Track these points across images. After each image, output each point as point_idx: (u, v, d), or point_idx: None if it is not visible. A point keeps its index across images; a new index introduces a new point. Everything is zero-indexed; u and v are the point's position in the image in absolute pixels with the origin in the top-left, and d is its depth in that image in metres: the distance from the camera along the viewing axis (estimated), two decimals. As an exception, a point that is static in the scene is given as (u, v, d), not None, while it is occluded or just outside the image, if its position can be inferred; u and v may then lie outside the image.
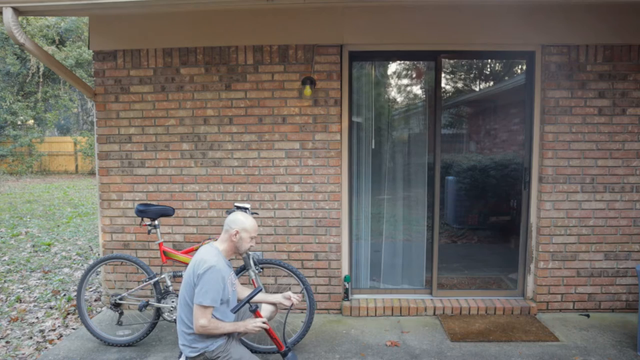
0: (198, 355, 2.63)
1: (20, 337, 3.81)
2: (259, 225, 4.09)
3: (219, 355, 2.64)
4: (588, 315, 4.04)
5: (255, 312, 2.77)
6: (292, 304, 2.98)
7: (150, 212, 3.49)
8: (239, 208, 3.37)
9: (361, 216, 4.36)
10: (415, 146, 4.38)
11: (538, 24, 3.86)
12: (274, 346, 3.40)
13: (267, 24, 3.93)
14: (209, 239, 3.87)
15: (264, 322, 2.72)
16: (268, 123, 4.04)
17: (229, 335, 2.72)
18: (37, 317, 4.23)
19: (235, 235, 2.72)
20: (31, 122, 18.77)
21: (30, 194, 12.79)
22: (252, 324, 2.69)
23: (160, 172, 4.14)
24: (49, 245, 6.96)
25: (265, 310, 3.05)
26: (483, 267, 4.70)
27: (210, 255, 2.64)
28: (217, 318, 2.65)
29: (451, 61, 4.50)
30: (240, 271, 3.47)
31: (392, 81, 4.67)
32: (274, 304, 3.08)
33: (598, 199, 3.99)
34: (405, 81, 4.68)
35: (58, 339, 3.75)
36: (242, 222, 2.74)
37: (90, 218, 9.24)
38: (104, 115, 4.12)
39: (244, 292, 2.98)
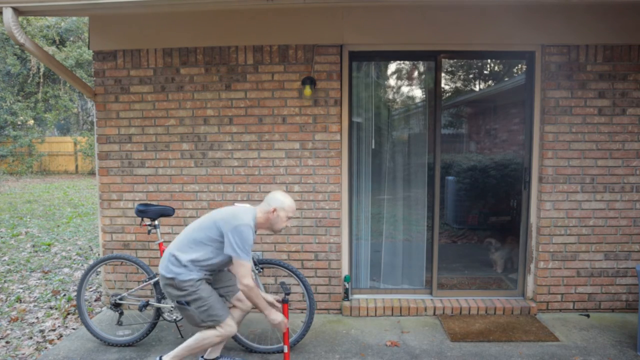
0: (169, 278, 2.68)
1: (20, 337, 3.81)
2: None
3: (187, 288, 2.66)
4: (588, 315, 4.04)
5: (284, 305, 2.85)
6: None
7: (150, 212, 3.49)
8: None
9: (361, 216, 4.36)
10: (415, 146, 4.38)
11: (538, 24, 3.86)
12: (274, 346, 3.40)
13: (267, 24, 3.93)
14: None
15: (285, 324, 2.81)
16: (268, 123, 4.04)
17: (202, 277, 2.74)
18: (37, 317, 4.23)
19: (273, 212, 2.73)
20: (31, 122, 18.76)
21: (30, 194, 12.79)
22: (275, 316, 2.75)
23: (160, 172, 4.14)
24: (49, 245, 6.96)
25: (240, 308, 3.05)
26: (483, 267, 4.71)
27: (248, 216, 2.66)
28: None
29: (451, 61, 4.51)
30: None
31: (392, 81, 4.68)
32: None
33: (598, 199, 3.99)
34: (405, 81, 4.69)
35: (58, 339, 3.75)
36: (281, 201, 2.76)
37: (90, 218, 9.24)
38: (104, 115, 4.12)
39: None
